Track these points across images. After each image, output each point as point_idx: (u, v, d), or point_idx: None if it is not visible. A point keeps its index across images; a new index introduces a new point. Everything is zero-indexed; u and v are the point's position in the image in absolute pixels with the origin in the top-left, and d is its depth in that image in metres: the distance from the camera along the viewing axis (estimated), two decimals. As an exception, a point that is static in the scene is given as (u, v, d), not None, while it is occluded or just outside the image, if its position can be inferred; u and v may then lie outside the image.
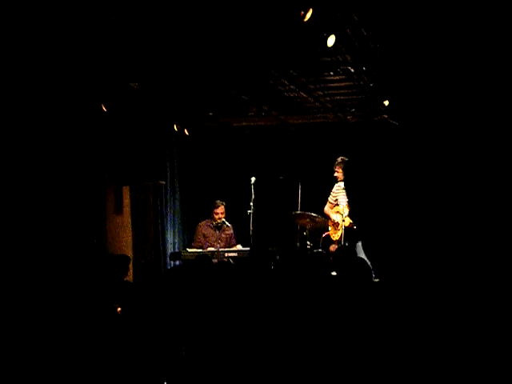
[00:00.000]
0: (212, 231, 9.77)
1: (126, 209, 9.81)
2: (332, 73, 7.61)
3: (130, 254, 9.40)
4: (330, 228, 9.52)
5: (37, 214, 7.32)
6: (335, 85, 8.32)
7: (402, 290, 4.90)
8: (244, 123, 10.94)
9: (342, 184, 9.47)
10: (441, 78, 7.36)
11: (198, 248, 9.52)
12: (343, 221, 9.04)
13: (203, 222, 9.86)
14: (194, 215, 10.93)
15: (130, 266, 7.56)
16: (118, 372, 4.19)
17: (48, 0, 5.32)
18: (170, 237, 10.80)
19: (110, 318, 4.92)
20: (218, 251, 9.12)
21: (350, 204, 9.33)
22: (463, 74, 7.19)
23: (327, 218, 9.53)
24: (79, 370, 4.14)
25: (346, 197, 9.39)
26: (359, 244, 9.07)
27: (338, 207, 9.42)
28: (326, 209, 9.56)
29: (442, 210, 7.56)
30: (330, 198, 9.58)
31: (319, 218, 9.49)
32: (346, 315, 4.49)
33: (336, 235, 9.36)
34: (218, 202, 9.80)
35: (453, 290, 5.16)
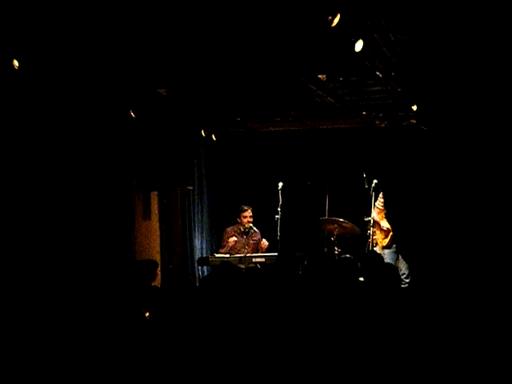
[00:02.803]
0: (239, 236, 9.77)
1: (154, 214, 9.85)
2: (360, 78, 7.58)
3: (157, 259, 9.44)
4: (377, 234, 9.47)
5: (66, 219, 7.37)
6: (363, 90, 8.29)
7: (438, 292, 4.87)
8: (271, 128, 10.93)
9: None
10: (470, 83, 7.31)
11: (225, 253, 9.53)
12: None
13: (230, 228, 9.87)
14: (222, 220, 10.93)
15: (158, 271, 7.58)
16: (146, 376, 4.20)
17: (78, 7, 5.34)
18: (197, 242, 10.82)
19: (139, 322, 4.94)
20: (245, 257, 9.12)
21: (387, 210, 9.33)
22: (494, 80, 7.13)
23: (375, 223, 9.46)
24: (108, 374, 4.16)
25: None
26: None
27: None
28: (374, 215, 9.49)
29: (474, 214, 7.50)
30: (377, 204, 9.51)
31: (347, 224, 9.47)
32: (373, 320, 4.47)
33: (384, 241, 9.36)
34: (246, 206, 9.81)
35: (492, 295, 5.11)
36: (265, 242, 9.79)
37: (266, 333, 4.38)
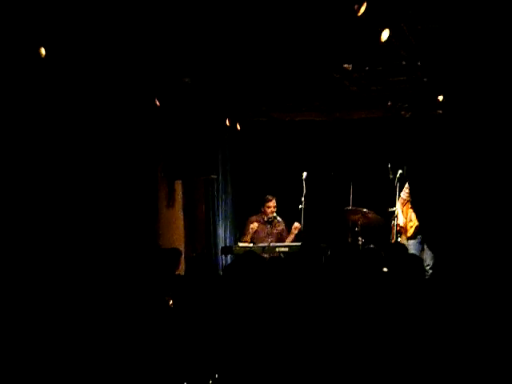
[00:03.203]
0: (263, 226, 9.77)
1: (178, 203, 9.87)
2: (385, 68, 7.55)
3: (181, 247, 9.46)
4: (402, 224, 9.44)
5: (91, 207, 7.42)
6: (388, 80, 8.26)
7: (461, 283, 4.84)
8: (296, 118, 10.91)
9: None
10: (495, 73, 7.24)
11: (248, 242, 9.53)
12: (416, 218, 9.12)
13: (254, 217, 9.87)
14: (246, 210, 10.93)
15: (182, 259, 7.61)
16: (170, 363, 4.22)
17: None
18: (221, 231, 10.82)
19: (163, 310, 4.96)
20: (269, 246, 9.12)
21: (413, 200, 9.30)
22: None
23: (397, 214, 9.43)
24: (133, 361, 4.19)
25: None
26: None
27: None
28: (398, 205, 9.45)
29: (500, 206, 7.44)
30: (402, 194, 9.47)
31: (371, 214, 9.43)
32: (396, 311, 4.46)
33: (409, 232, 9.34)
34: (270, 196, 9.81)
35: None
36: (296, 225, 9.74)
37: (288, 323, 4.39)
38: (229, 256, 9.62)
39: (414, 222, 9.31)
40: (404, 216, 9.42)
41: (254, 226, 9.68)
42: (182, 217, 9.97)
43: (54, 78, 6.79)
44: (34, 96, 6.65)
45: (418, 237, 9.34)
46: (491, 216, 7.33)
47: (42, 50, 6.03)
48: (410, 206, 9.43)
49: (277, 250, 9.09)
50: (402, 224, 9.34)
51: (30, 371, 4.10)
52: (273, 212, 9.74)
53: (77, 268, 6.53)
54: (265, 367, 4.00)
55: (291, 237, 9.75)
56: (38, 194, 6.73)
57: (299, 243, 8.98)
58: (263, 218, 9.79)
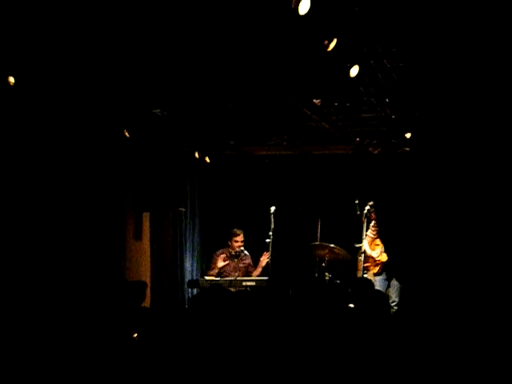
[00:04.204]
0: (230, 260, 9.74)
1: (146, 235, 9.82)
2: (354, 104, 7.61)
3: (147, 280, 9.40)
4: (368, 262, 9.47)
5: (57, 238, 7.35)
6: (357, 116, 8.32)
7: (429, 316, 4.85)
8: (265, 152, 10.94)
9: None
10: (464, 112, 7.34)
11: (215, 276, 9.48)
12: (381, 254, 9.19)
13: (220, 251, 9.83)
14: (214, 243, 10.89)
15: (148, 292, 7.55)
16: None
17: (72, 24, 5.35)
18: (188, 264, 10.77)
19: (126, 343, 4.90)
20: (235, 280, 9.08)
21: (382, 237, 9.38)
22: (487, 110, 7.17)
23: (364, 252, 9.46)
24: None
25: None
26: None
27: (378, 240, 9.43)
28: (365, 243, 9.47)
29: (467, 240, 7.53)
30: (369, 233, 9.50)
31: (338, 250, 9.45)
32: (361, 347, 4.45)
33: (375, 269, 9.37)
34: (237, 230, 9.78)
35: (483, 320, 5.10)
36: (264, 256, 9.70)
37: (253, 356, 4.36)
38: (195, 289, 9.55)
39: (380, 259, 9.36)
40: (371, 254, 9.45)
41: (222, 263, 9.63)
42: (148, 249, 9.91)
43: (23, 106, 6.76)
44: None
45: (384, 273, 9.39)
46: (457, 250, 7.40)
47: (11, 79, 6.00)
48: (376, 243, 9.48)
49: (243, 283, 9.06)
50: (369, 264, 9.38)
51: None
52: (240, 246, 9.71)
53: (41, 298, 6.45)
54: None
55: (259, 269, 9.72)
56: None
57: (266, 277, 8.97)
58: (230, 252, 9.75)
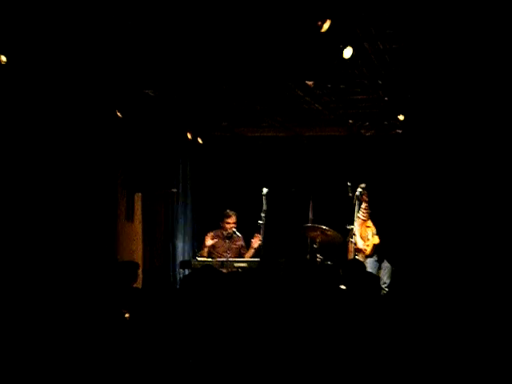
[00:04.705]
0: (222, 241, 9.74)
1: (138, 216, 9.82)
2: (347, 85, 7.60)
3: (139, 260, 9.40)
4: (360, 246, 9.48)
5: (48, 219, 7.34)
6: (350, 98, 8.31)
7: (419, 298, 4.87)
8: (258, 134, 10.93)
9: None
10: (457, 94, 7.34)
11: (205, 256, 9.49)
12: (373, 236, 9.21)
13: (213, 232, 9.83)
14: (205, 224, 10.90)
15: (140, 272, 7.55)
16: (125, 378, 4.17)
17: (65, 6, 5.32)
18: (180, 245, 10.78)
19: (118, 323, 4.91)
20: (227, 261, 9.10)
21: (374, 220, 9.41)
22: (481, 91, 7.17)
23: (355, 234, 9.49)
24: (86, 376, 4.13)
25: None
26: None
27: (369, 222, 9.45)
28: (356, 226, 9.48)
29: (459, 222, 7.55)
30: (360, 215, 9.51)
31: (330, 232, 9.46)
32: (352, 329, 4.47)
33: (367, 251, 9.40)
34: (230, 211, 9.78)
35: (475, 303, 5.12)
36: (256, 237, 9.71)
37: (245, 336, 4.37)
38: (187, 270, 9.57)
39: (371, 241, 9.39)
40: (361, 236, 9.47)
41: (211, 241, 9.63)
42: (140, 230, 9.91)
43: (14, 85, 6.72)
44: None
45: (375, 255, 9.41)
46: (448, 232, 7.43)
47: (3, 57, 5.96)
48: (367, 225, 9.50)
49: (235, 265, 9.06)
50: (360, 246, 9.39)
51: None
52: (232, 228, 9.71)
53: (32, 279, 6.45)
54: (221, 380, 3.98)
55: (251, 251, 9.72)
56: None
57: (258, 259, 8.98)
58: (222, 233, 9.76)
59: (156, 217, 10.29)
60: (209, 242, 9.61)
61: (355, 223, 9.42)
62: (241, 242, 9.85)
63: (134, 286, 6.87)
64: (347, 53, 5.90)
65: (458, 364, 4.00)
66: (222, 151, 11.44)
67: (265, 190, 9.81)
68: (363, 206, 9.46)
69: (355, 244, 9.38)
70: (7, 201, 6.88)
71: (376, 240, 9.36)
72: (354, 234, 9.34)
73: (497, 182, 7.55)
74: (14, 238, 6.87)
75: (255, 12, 5.38)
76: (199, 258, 9.39)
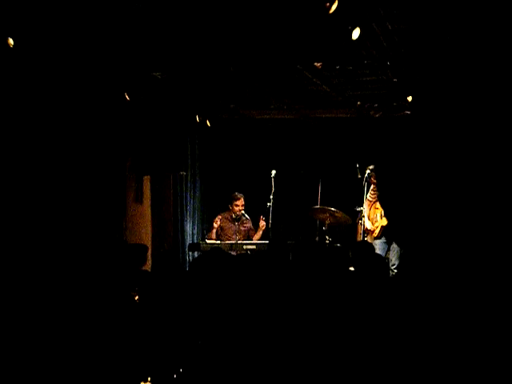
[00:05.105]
0: (231, 223, 9.77)
1: (146, 198, 9.83)
2: (356, 67, 7.57)
3: (148, 243, 9.43)
4: (369, 225, 9.48)
5: (58, 202, 7.35)
6: (359, 79, 8.28)
7: (425, 285, 4.87)
8: (266, 116, 10.91)
9: None
10: (466, 75, 7.30)
11: (214, 239, 9.51)
12: (381, 218, 9.20)
13: (221, 214, 9.85)
14: (214, 206, 10.92)
15: (149, 255, 7.57)
16: (135, 359, 4.20)
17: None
18: (189, 227, 10.80)
19: (128, 305, 4.93)
20: (236, 243, 9.12)
21: (382, 201, 9.38)
22: (490, 72, 7.12)
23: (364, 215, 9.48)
24: (96, 357, 4.16)
25: None
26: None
27: (378, 203, 9.44)
28: (365, 207, 9.49)
29: (468, 205, 7.52)
30: (368, 196, 9.51)
31: (339, 213, 9.47)
32: (361, 310, 4.47)
33: (375, 232, 9.40)
34: (238, 194, 9.80)
35: (483, 288, 5.11)
36: (262, 222, 9.73)
37: (253, 319, 4.38)
38: (196, 252, 9.59)
39: (380, 222, 9.38)
40: (370, 217, 9.48)
41: (217, 223, 9.66)
42: (149, 213, 9.93)
43: (22, 69, 6.72)
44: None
45: (384, 237, 9.42)
46: (457, 214, 7.40)
47: (11, 40, 5.96)
48: (375, 206, 9.50)
49: (244, 247, 9.09)
50: (368, 227, 9.40)
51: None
52: (241, 210, 9.74)
53: (43, 262, 6.47)
54: (229, 362, 4.00)
55: (259, 233, 9.75)
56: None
57: (267, 241, 9.00)
58: (231, 216, 9.78)
59: (164, 200, 10.29)
60: (216, 224, 9.64)
61: (364, 205, 9.42)
62: (249, 224, 9.88)
63: (143, 268, 6.90)
64: (355, 34, 5.86)
65: (468, 347, 4.01)
66: (230, 133, 11.44)
67: (273, 172, 9.83)
68: (372, 187, 9.45)
69: (364, 226, 9.39)
70: (17, 184, 6.90)
71: (384, 222, 9.36)
72: (363, 216, 9.35)
73: (509, 164, 7.51)
74: (23, 221, 6.89)
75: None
76: (208, 241, 9.42)
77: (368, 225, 9.42)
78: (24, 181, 6.96)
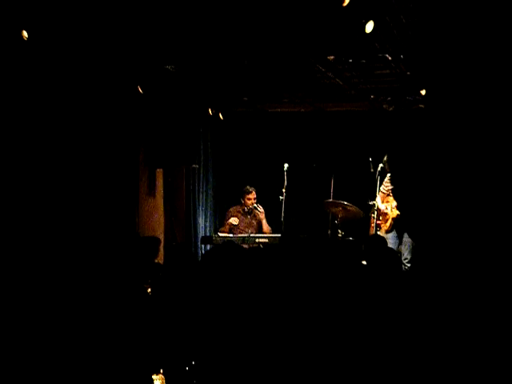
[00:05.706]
0: (243, 217, 9.77)
1: (159, 191, 9.85)
2: (369, 60, 7.54)
3: (161, 236, 9.45)
4: (380, 218, 9.46)
5: (70, 195, 7.38)
6: (372, 72, 8.25)
7: (438, 279, 4.86)
8: (279, 109, 10.90)
9: None
10: (480, 69, 7.26)
11: (227, 232, 9.53)
12: (391, 211, 9.16)
13: (233, 208, 9.87)
14: (227, 200, 10.92)
15: (161, 248, 7.59)
16: (147, 351, 4.21)
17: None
18: (201, 220, 10.81)
19: (140, 297, 4.95)
20: (249, 236, 9.12)
21: (395, 194, 9.34)
22: (504, 68, 7.08)
23: (377, 209, 9.45)
24: (109, 350, 4.17)
25: None
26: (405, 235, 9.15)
27: (390, 197, 9.41)
28: (378, 199, 9.47)
29: (481, 200, 7.48)
30: (382, 188, 9.50)
31: (351, 207, 9.45)
32: (373, 304, 4.47)
33: (385, 225, 9.37)
34: (250, 187, 9.80)
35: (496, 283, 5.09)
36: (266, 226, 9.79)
37: (265, 312, 4.39)
38: (208, 245, 9.61)
39: (390, 215, 9.35)
40: (382, 211, 9.46)
41: (232, 220, 9.69)
42: (162, 205, 9.94)
43: (36, 63, 6.73)
44: (13, 82, 6.60)
45: (395, 230, 9.39)
46: (470, 208, 7.37)
47: (25, 33, 5.98)
48: (388, 200, 9.47)
49: (256, 240, 9.10)
50: (380, 220, 9.38)
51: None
52: (253, 203, 9.76)
53: (55, 255, 6.49)
54: (242, 355, 4.00)
55: (263, 222, 9.78)
56: (14, 184, 6.70)
57: (279, 235, 9.01)
58: (243, 209, 9.79)
59: (177, 193, 10.31)
60: (230, 219, 9.67)
61: (377, 197, 9.40)
62: (262, 216, 9.86)
63: (156, 261, 6.92)
64: (369, 27, 5.85)
65: (481, 339, 4.00)
66: (242, 127, 11.42)
67: (286, 166, 9.82)
68: (386, 178, 9.43)
69: (376, 219, 9.37)
70: (31, 176, 6.92)
71: (395, 214, 9.33)
72: (378, 210, 9.33)
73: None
74: (37, 214, 6.92)
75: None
76: (220, 234, 9.43)
77: (380, 217, 9.39)
78: (38, 174, 6.98)
